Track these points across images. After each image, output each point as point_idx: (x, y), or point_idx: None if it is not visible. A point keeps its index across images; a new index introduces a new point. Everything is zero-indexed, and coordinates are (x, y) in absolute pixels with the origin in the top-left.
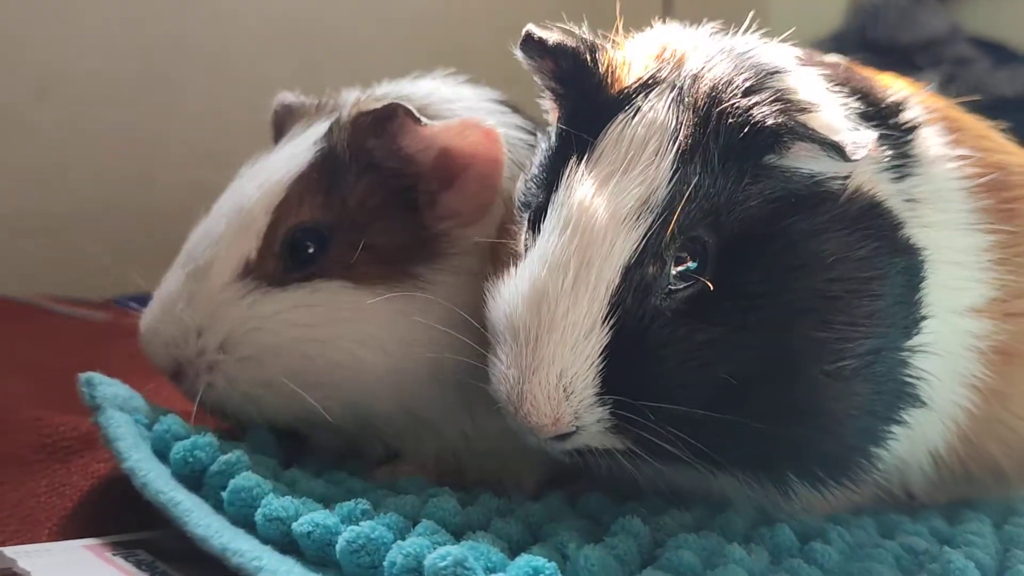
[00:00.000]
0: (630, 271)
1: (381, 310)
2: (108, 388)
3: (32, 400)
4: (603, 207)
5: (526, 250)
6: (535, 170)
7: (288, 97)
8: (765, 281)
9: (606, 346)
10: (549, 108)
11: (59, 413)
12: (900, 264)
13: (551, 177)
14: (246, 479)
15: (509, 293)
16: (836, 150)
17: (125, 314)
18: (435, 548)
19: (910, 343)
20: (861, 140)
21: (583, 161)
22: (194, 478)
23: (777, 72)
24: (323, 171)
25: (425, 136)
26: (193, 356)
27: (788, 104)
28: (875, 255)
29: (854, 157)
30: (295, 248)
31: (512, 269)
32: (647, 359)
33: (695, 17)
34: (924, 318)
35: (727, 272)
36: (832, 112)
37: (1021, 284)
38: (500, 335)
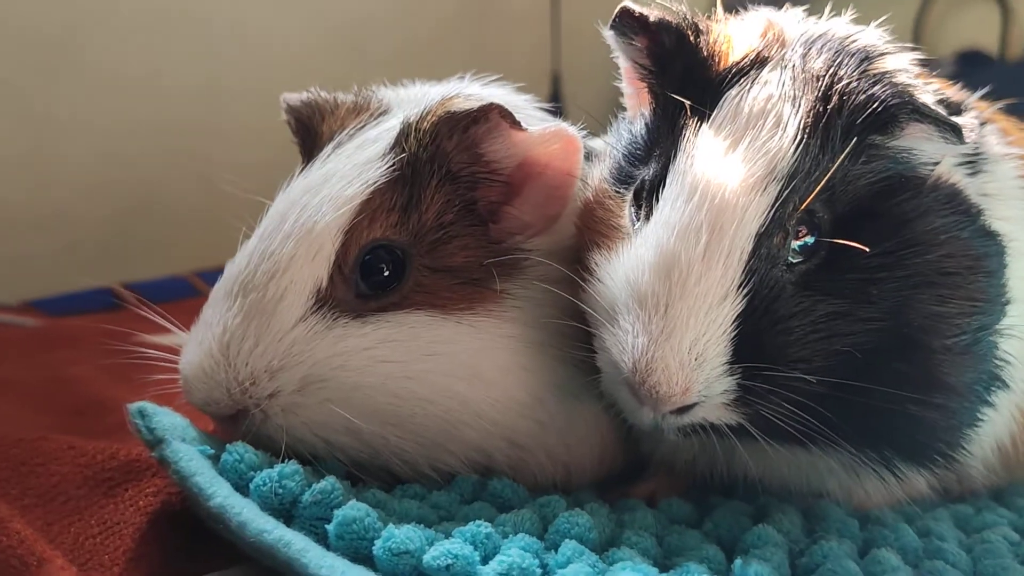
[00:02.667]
0: (762, 239)
1: (474, 337)
2: (165, 418)
3: (32, 423)
4: (732, 175)
5: (636, 222)
6: (628, 147)
7: (298, 97)
8: (882, 256)
9: (739, 314)
10: (631, 89)
11: (82, 437)
12: (994, 246)
13: (657, 151)
14: (355, 509)
15: (631, 262)
16: (954, 131)
17: (54, 319)
18: None
19: (1001, 324)
20: (969, 124)
21: (700, 132)
22: (283, 511)
23: (885, 54)
24: (399, 183)
25: (518, 142)
26: (263, 398)
27: (902, 86)
28: (974, 236)
29: (968, 139)
30: (368, 271)
31: (623, 242)
32: (776, 329)
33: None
34: (1009, 301)
35: (843, 247)
36: (930, 97)
37: None
38: (621, 305)
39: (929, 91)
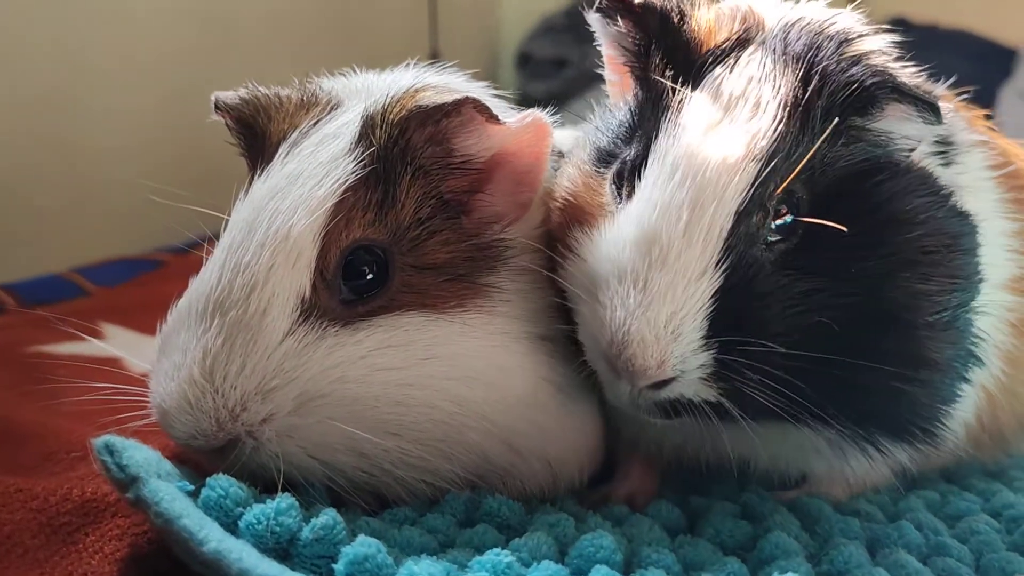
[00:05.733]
0: (742, 216)
1: (468, 335)
2: (136, 453)
3: None
4: (712, 154)
5: (619, 201)
6: (612, 132)
7: (234, 95)
8: (862, 235)
9: (717, 290)
10: (614, 76)
11: (28, 477)
12: (967, 226)
13: (639, 131)
14: (365, 546)
15: (612, 238)
16: (932, 110)
17: None
18: None
19: (975, 302)
20: (945, 105)
21: (682, 113)
22: (280, 550)
23: (862, 36)
24: (371, 180)
25: (493, 134)
26: (255, 424)
27: (880, 67)
28: (948, 216)
29: (946, 119)
30: (351, 274)
31: (604, 219)
32: (752, 305)
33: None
34: (982, 280)
35: (821, 227)
36: (907, 78)
37: None
38: (601, 280)
39: (906, 73)
